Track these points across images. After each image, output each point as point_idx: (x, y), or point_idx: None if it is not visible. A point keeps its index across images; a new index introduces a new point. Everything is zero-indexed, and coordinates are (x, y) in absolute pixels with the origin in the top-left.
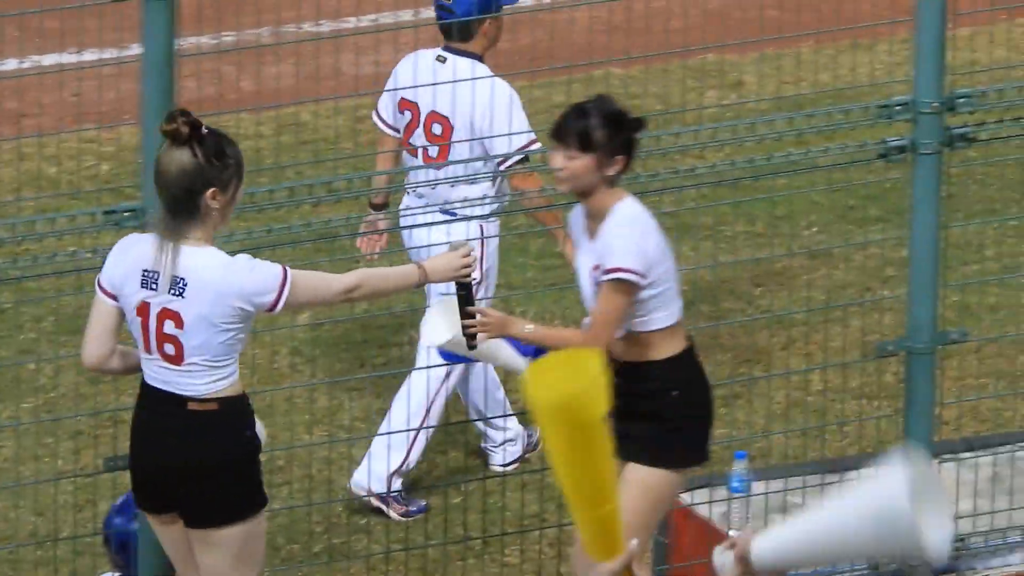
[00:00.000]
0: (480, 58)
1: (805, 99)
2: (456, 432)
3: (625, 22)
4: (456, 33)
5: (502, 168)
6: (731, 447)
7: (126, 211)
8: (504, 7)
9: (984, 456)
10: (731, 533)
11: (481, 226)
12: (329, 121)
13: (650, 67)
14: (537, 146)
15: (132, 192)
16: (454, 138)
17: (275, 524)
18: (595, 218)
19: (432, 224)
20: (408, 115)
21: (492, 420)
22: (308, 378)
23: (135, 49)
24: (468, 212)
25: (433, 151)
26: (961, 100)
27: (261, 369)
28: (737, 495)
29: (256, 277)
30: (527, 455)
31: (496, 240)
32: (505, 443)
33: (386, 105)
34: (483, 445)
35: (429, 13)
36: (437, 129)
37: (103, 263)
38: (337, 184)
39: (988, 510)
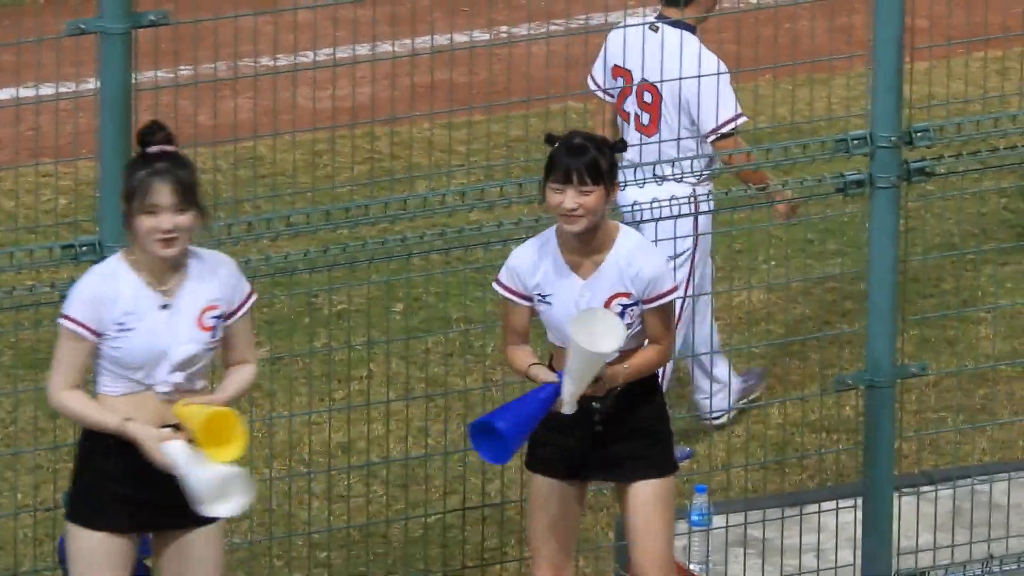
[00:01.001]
0: (693, 28)
1: (763, 133)
2: (416, 466)
3: (583, 56)
4: (674, 2)
5: (710, 139)
6: (691, 481)
7: (84, 245)
8: None
9: (944, 490)
10: (692, 567)
11: (694, 189)
12: (287, 155)
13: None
14: (743, 120)
15: (90, 227)
16: (663, 108)
17: (235, 559)
18: (593, 251)
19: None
20: (621, 81)
21: (704, 368)
22: (267, 412)
23: (92, 84)
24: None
25: (645, 118)
26: (919, 134)
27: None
28: (698, 528)
29: None
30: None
31: (709, 211)
32: (714, 394)
33: (599, 70)
34: (695, 397)
35: (386, 47)
36: (648, 97)
37: (66, 298)
38: (295, 218)
39: (948, 543)
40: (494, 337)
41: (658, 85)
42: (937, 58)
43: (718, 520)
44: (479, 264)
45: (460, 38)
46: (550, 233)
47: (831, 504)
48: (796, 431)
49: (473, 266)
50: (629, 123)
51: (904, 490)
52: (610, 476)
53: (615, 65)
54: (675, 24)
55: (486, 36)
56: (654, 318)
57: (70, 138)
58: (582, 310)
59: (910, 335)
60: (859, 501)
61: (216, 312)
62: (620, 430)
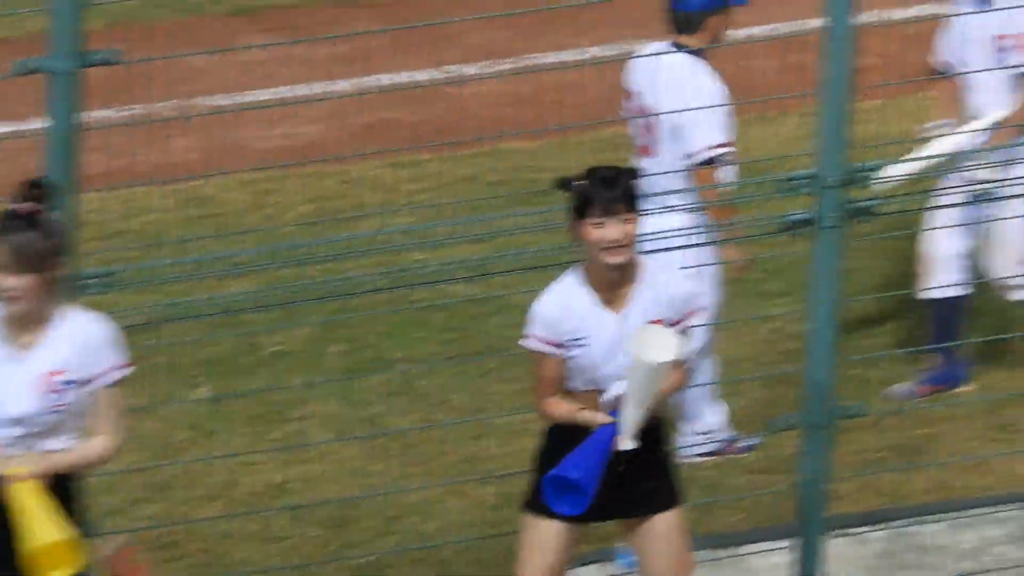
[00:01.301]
0: (701, 53)
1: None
2: (353, 507)
3: (533, 95)
4: (682, 27)
5: (689, 163)
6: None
7: None
8: (732, 4)
9: (877, 531)
10: None
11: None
12: (234, 195)
13: (557, 140)
14: (728, 151)
15: None
16: (660, 132)
17: None
18: (625, 282)
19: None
20: (628, 104)
21: (694, 408)
22: (206, 452)
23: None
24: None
25: (646, 142)
26: (864, 174)
27: (157, 443)
28: (627, 570)
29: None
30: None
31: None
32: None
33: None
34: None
35: (335, 87)
36: (647, 121)
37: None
38: (241, 258)
39: None
40: (435, 376)
41: (655, 108)
42: (888, 97)
43: None
44: (423, 303)
45: (408, 77)
46: (571, 276)
47: (764, 545)
48: (732, 472)
49: (416, 305)
50: (634, 144)
51: (836, 532)
52: (632, 513)
53: (625, 89)
54: (680, 49)
55: (434, 75)
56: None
57: (18, 178)
58: (637, 329)
59: (850, 375)
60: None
61: (63, 378)
62: (641, 467)
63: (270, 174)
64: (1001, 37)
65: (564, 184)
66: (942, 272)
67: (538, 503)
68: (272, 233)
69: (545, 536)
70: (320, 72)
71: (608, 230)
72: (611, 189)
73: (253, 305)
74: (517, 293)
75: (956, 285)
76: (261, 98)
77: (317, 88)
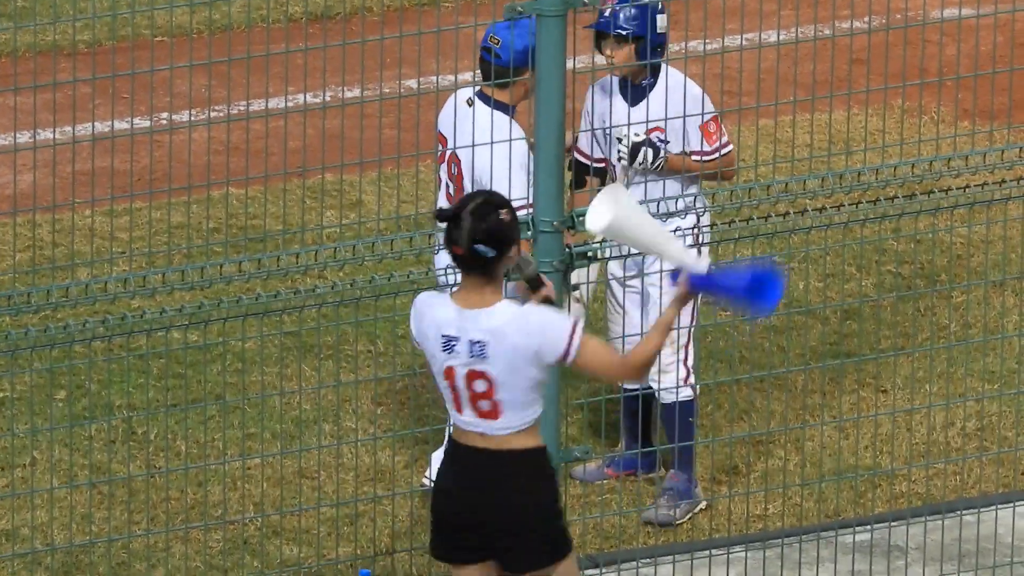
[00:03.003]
0: (508, 108)
1: (423, 218)
2: (80, 553)
3: (243, 142)
4: (494, 79)
5: None
6: (355, 566)
7: None
8: None
9: (609, 573)
10: None
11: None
12: None
13: (270, 187)
14: (525, 213)
15: None
16: (463, 182)
17: None
18: None
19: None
20: (439, 148)
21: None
22: None
23: None
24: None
25: (452, 188)
26: (581, 219)
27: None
28: None
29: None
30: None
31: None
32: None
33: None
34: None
35: (47, 135)
36: (455, 169)
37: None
38: None
39: None
40: (156, 422)
41: (462, 159)
42: None
43: None
44: (142, 351)
45: (121, 125)
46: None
47: None
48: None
49: (136, 353)
50: (440, 190)
51: None
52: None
53: (439, 131)
54: (490, 102)
55: (147, 123)
56: None
57: None
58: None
59: (574, 419)
60: None
61: None
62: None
63: None
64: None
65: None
66: None
67: (447, 551)
68: None
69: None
70: (28, 121)
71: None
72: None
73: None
74: (235, 340)
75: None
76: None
77: (27, 137)
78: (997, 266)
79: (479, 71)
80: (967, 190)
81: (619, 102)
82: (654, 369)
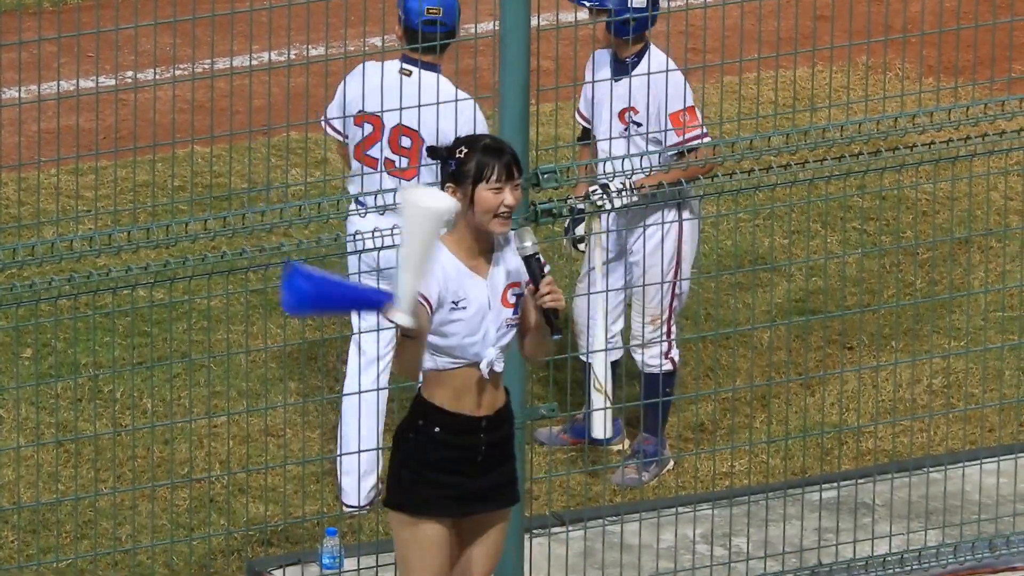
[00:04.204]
0: (440, 70)
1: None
2: (47, 511)
3: (208, 100)
4: (442, 46)
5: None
6: (322, 524)
7: None
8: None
9: (575, 531)
10: None
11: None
12: None
13: (235, 145)
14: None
15: None
16: (422, 152)
17: None
18: (485, 249)
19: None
20: (369, 128)
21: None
22: None
23: None
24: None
25: (403, 163)
26: (546, 176)
27: None
28: (328, 572)
29: None
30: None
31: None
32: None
33: (336, 112)
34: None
35: (12, 93)
36: (406, 142)
37: None
38: None
39: None
40: (121, 382)
41: (417, 129)
42: (564, 100)
43: (349, 563)
44: (107, 309)
45: (86, 83)
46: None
47: None
48: None
49: (101, 311)
50: (377, 168)
51: (535, 531)
52: (492, 505)
53: (360, 111)
54: (428, 67)
55: (112, 81)
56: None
57: None
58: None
59: (539, 376)
60: None
61: None
62: (497, 455)
63: None
64: (628, 110)
65: (433, 153)
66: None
67: (424, 504)
68: None
69: (433, 538)
70: None
71: (506, 195)
72: (503, 155)
73: None
74: (200, 298)
75: (609, 349)
76: None
77: None
78: (963, 223)
79: (405, 42)
80: (932, 147)
81: (606, 73)
82: (635, 342)
